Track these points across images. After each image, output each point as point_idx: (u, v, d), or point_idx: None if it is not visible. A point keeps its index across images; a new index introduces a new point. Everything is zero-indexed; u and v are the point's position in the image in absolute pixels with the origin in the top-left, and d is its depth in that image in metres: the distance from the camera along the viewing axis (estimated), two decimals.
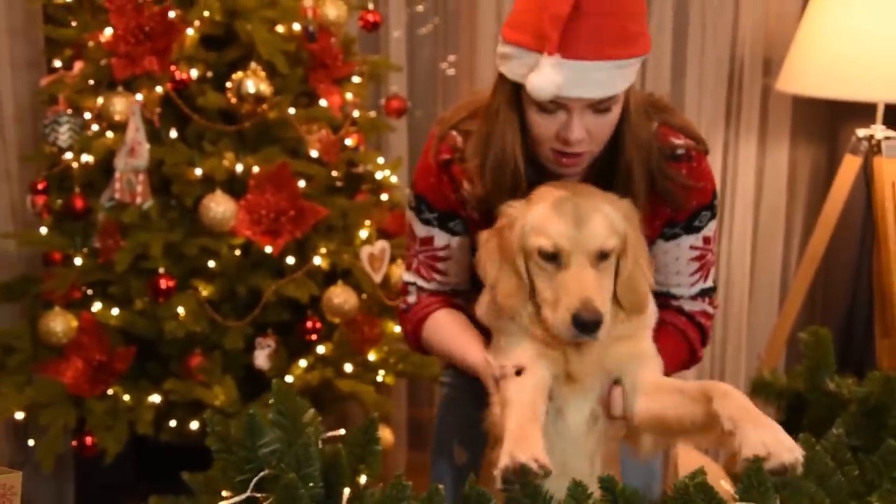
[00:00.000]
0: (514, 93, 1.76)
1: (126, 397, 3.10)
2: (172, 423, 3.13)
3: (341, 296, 3.16)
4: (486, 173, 1.82)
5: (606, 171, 1.83)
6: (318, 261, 3.17)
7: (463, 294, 2.00)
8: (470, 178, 1.85)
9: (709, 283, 1.98)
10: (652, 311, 1.85)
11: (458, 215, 1.93)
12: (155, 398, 3.11)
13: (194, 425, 3.08)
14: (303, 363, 3.19)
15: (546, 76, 1.66)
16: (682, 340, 1.96)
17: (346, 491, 1.48)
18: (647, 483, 2.02)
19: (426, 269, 1.99)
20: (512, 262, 1.73)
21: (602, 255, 1.71)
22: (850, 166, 3.23)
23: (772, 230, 3.91)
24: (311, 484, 1.49)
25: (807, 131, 3.85)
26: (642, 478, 2.01)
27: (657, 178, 1.83)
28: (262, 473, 1.51)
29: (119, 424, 3.08)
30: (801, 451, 1.49)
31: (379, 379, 3.30)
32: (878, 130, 3.20)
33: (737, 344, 3.96)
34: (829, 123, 3.81)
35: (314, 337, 3.17)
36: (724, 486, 1.41)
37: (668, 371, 1.90)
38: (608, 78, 1.69)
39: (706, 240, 1.93)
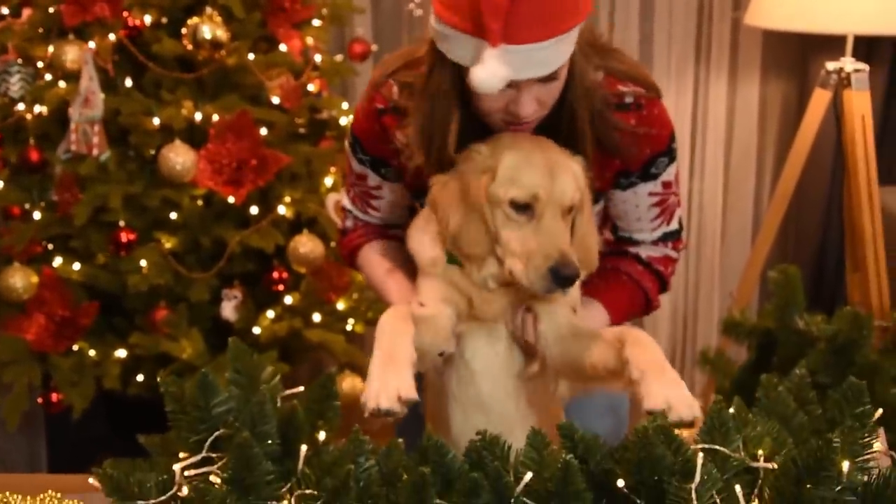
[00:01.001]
0: (457, 73, 1.67)
1: (92, 353, 3.06)
2: (140, 378, 3.10)
3: (307, 245, 3.12)
4: (423, 148, 1.75)
5: (551, 121, 1.76)
6: (282, 210, 3.12)
7: (401, 226, 1.95)
8: (403, 129, 1.79)
9: (672, 226, 1.94)
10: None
11: (389, 164, 1.90)
12: (121, 353, 3.07)
13: None
14: (270, 314, 3.15)
15: (491, 69, 1.57)
16: (637, 290, 1.92)
17: (304, 448, 1.45)
18: (616, 430, 2.00)
19: (361, 203, 2.01)
20: (479, 209, 1.66)
21: (569, 210, 1.66)
22: (819, 100, 3.19)
23: (743, 167, 3.87)
24: (267, 441, 1.45)
25: (777, 65, 3.79)
26: (610, 424, 1.99)
27: (601, 128, 1.76)
28: (217, 433, 1.47)
29: (85, 380, 3.05)
30: (699, 408, 1.50)
31: (348, 328, 3.27)
32: (848, 63, 3.15)
33: (710, 283, 3.94)
34: (799, 57, 3.76)
35: (281, 287, 3.14)
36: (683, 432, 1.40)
37: (620, 320, 1.87)
38: (554, 53, 1.62)
39: (666, 184, 1.88)
